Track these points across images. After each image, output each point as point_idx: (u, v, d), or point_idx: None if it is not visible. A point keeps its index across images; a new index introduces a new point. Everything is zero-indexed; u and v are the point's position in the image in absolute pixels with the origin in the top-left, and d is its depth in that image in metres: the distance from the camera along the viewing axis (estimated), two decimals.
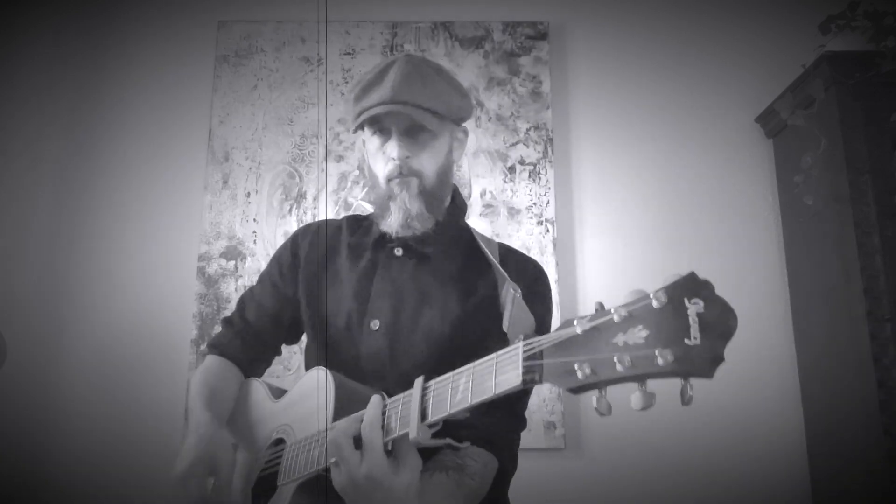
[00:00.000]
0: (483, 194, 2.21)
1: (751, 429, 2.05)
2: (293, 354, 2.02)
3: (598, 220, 2.23)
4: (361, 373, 1.07)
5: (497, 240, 1.35)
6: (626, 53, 2.36)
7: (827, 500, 1.95)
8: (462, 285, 1.12)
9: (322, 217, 2.04)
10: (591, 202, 2.24)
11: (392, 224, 1.11)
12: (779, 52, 2.27)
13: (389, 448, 0.83)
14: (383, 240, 1.16)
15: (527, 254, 1.28)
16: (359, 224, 1.25)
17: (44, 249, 2.19)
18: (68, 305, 2.15)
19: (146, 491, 2.00)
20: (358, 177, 2.22)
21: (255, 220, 2.19)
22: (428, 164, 1.12)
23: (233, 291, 2.13)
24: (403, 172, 1.10)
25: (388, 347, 1.08)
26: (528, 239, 2.16)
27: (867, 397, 1.72)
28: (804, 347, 2.06)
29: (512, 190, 2.20)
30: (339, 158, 2.24)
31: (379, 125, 1.12)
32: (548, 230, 2.17)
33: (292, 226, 2.18)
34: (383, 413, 0.83)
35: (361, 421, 0.84)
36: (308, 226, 1.29)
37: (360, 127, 1.15)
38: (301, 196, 2.21)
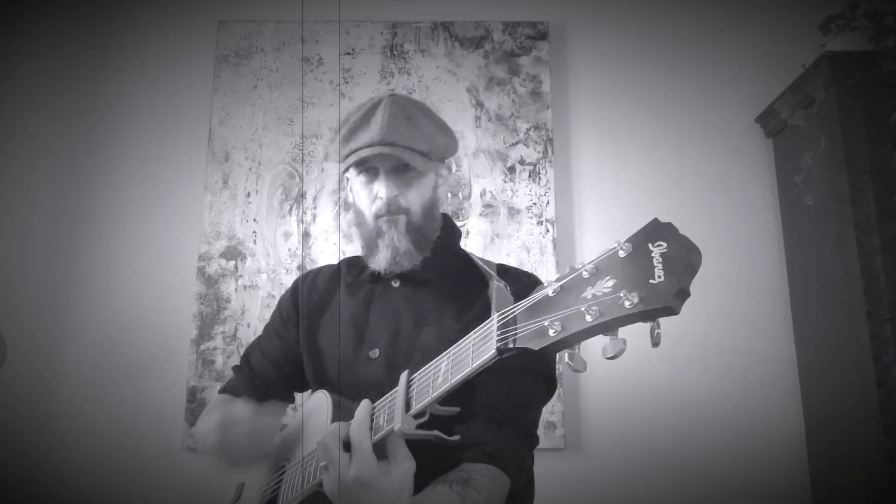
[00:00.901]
0: (483, 194, 2.21)
1: (751, 429, 2.05)
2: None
3: (598, 220, 2.23)
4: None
5: (496, 251, 1.35)
6: (627, 53, 2.36)
7: (827, 500, 1.95)
8: (459, 302, 1.12)
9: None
10: (591, 202, 2.24)
11: (380, 262, 1.13)
12: (779, 52, 2.27)
13: (384, 452, 0.82)
14: (380, 274, 1.17)
15: (525, 271, 1.27)
16: (357, 263, 1.25)
17: (44, 249, 2.19)
18: (68, 305, 2.15)
19: (146, 490, 2.00)
20: None
21: (255, 220, 2.19)
22: (415, 201, 1.14)
23: (233, 291, 2.13)
24: (391, 210, 1.12)
25: (387, 374, 1.07)
26: (528, 239, 2.16)
27: (867, 397, 1.72)
28: (804, 347, 2.06)
29: (512, 190, 2.20)
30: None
31: (366, 165, 1.14)
32: (548, 230, 2.17)
33: (292, 226, 2.18)
34: (372, 414, 0.83)
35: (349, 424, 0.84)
36: (308, 272, 1.32)
37: (348, 168, 1.18)
38: (301, 196, 2.21)
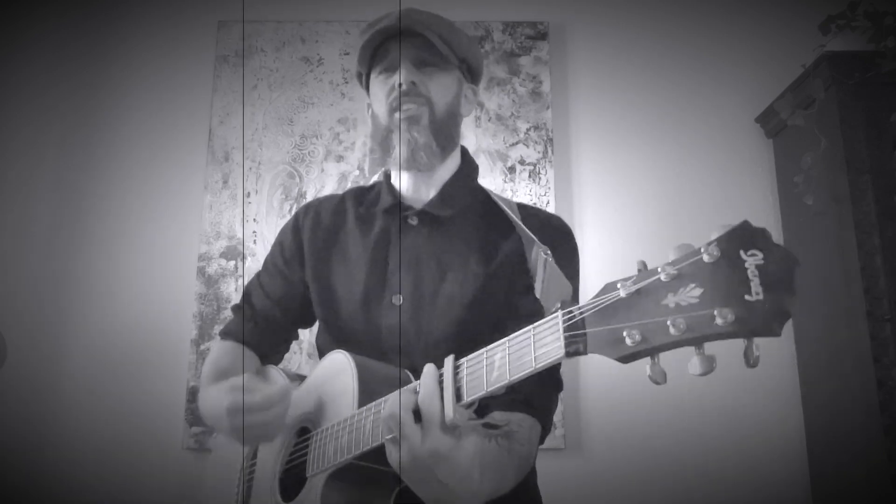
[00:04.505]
0: None
1: (751, 429, 2.05)
2: (293, 355, 2.02)
3: (598, 220, 2.23)
4: (382, 350, 1.02)
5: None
6: (626, 53, 2.36)
7: (827, 500, 1.95)
8: (483, 248, 1.06)
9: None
10: (591, 202, 2.24)
11: (397, 158, 1.04)
12: (779, 52, 2.27)
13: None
14: (395, 208, 1.10)
15: (548, 211, 1.19)
16: (364, 195, 1.18)
17: (44, 249, 2.19)
18: (68, 305, 2.15)
19: (146, 490, 2.00)
20: (358, 177, 2.22)
21: (255, 220, 2.19)
22: (437, 95, 1.06)
23: (233, 291, 2.13)
24: (410, 94, 1.03)
25: (412, 321, 1.02)
26: None
27: (867, 397, 1.72)
28: (804, 347, 2.06)
29: (512, 190, 2.20)
30: (339, 158, 2.23)
31: (386, 61, 1.07)
32: None
33: None
34: (440, 383, 0.77)
35: (416, 392, 0.78)
36: (309, 203, 1.23)
37: (365, 66, 1.11)
38: (301, 196, 2.21)
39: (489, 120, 2.26)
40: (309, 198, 2.21)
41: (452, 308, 1.01)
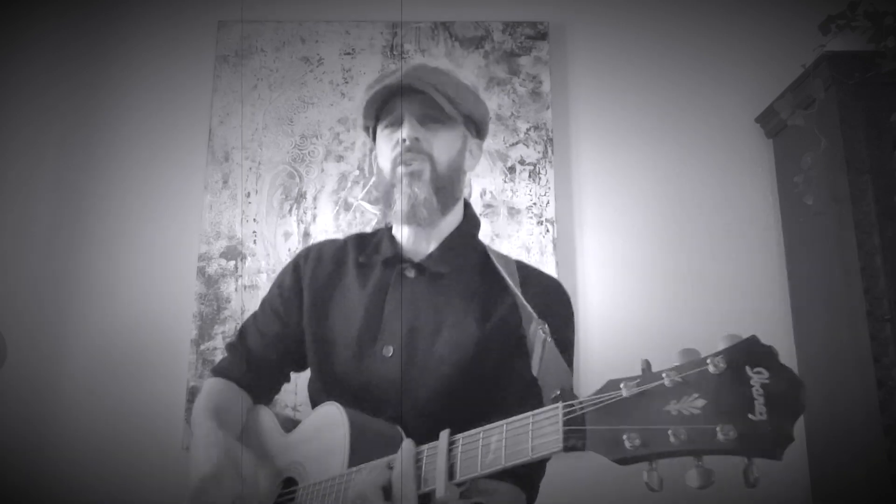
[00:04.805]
0: (483, 194, 2.21)
1: None
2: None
3: (598, 220, 2.23)
4: (371, 401, 1.01)
5: (513, 256, 1.25)
6: (626, 53, 2.36)
7: (827, 500, 1.95)
8: (479, 307, 1.06)
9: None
10: (591, 202, 2.24)
11: (398, 212, 1.06)
12: (779, 52, 2.27)
13: None
14: (394, 260, 1.11)
15: (546, 273, 1.20)
16: (365, 242, 1.19)
17: (44, 249, 2.19)
18: (68, 305, 2.15)
19: (146, 490, 2.00)
20: (358, 177, 2.22)
21: (255, 220, 2.19)
22: (439, 151, 1.08)
23: (233, 291, 2.13)
24: (413, 150, 1.05)
25: (401, 375, 1.02)
26: (528, 239, 2.16)
27: (867, 397, 1.72)
28: (804, 347, 2.06)
29: (512, 190, 2.20)
30: (339, 158, 2.23)
31: (391, 116, 1.09)
32: (548, 230, 2.17)
33: (292, 226, 2.18)
34: (417, 462, 0.77)
35: (390, 468, 0.77)
36: (310, 247, 1.22)
37: (372, 119, 1.12)
38: (301, 196, 2.21)
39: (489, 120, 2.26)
40: (309, 198, 2.21)
41: (444, 366, 1.01)
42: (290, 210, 2.20)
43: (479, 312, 1.05)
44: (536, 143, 2.24)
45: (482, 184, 2.21)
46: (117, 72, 2.34)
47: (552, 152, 2.23)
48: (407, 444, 0.78)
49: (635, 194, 2.24)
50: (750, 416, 0.54)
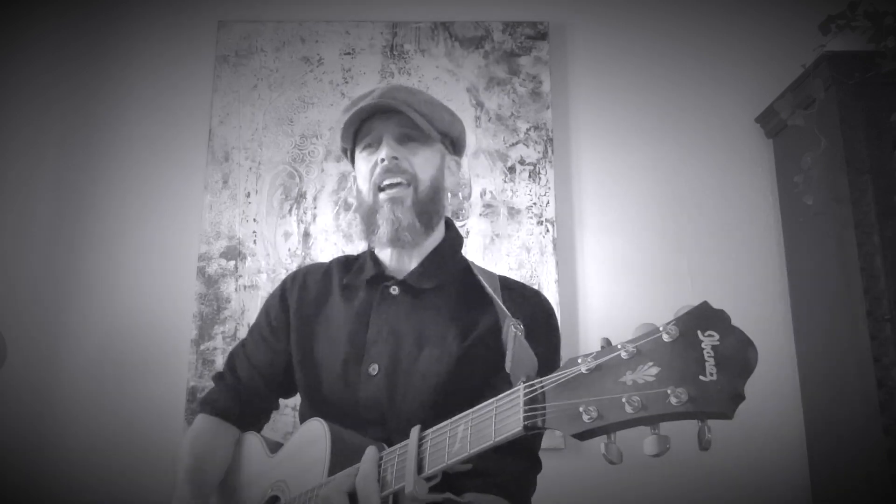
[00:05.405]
0: (483, 194, 2.21)
1: (751, 429, 2.05)
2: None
3: (598, 220, 2.23)
4: (359, 420, 1.02)
5: (496, 251, 1.26)
6: (626, 53, 2.36)
7: (827, 500, 1.95)
8: (462, 322, 1.07)
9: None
10: (591, 202, 2.24)
11: (382, 237, 1.07)
12: (779, 52, 2.27)
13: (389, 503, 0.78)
14: (378, 279, 1.12)
15: (530, 285, 1.22)
16: (350, 264, 1.20)
17: (44, 249, 2.19)
18: (68, 305, 2.15)
19: (146, 491, 2.00)
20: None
21: (255, 220, 2.19)
22: (421, 170, 1.09)
23: (233, 291, 2.13)
24: (393, 171, 1.06)
25: (387, 392, 1.03)
26: (528, 239, 2.16)
27: (867, 397, 1.72)
28: (804, 347, 2.06)
29: (512, 190, 2.20)
30: (339, 158, 2.23)
31: (369, 137, 1.10)
32: (548, 230, 2.17)
33: (292, 226, 2.18)
34: (379, 465, 0.78)
35: (356, 475, 0.79)
36: (296, 272, 1.24)
37: (349, 142, 1.14)
38: (301, 196, 2.21)
39: (489, 120, 2.26)
40: (309, 198, 2.21)
41: (427, 383, 1.02)
42: (290, 210, 2.20)
43: (461, 328, 1.06)
44: (536, 143, 2.24)
45: (482, 184, 2.21)
46: (117, 72, 2.34)
47: (552, 152, 2.23)
48: (370, 449, 0.80)
49: (635, 194, 2.24)
50: (701, 377, 0.54)
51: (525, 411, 0.64)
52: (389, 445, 0.88)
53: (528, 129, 2.25)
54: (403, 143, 1.09)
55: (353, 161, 1.17)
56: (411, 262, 1.13)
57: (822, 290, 1.95)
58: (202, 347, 2.08)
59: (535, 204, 2.19)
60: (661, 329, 0.58)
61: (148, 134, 2.29)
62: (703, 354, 0.55)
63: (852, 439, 1.80)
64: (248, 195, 2.21)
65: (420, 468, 0.74)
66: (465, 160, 2.20)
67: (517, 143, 2.24)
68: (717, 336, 0.56)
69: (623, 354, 0.59)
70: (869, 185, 1.79)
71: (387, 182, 1.07)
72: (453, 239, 1.18)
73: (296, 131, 2.26)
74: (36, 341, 2.11)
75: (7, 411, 2.06)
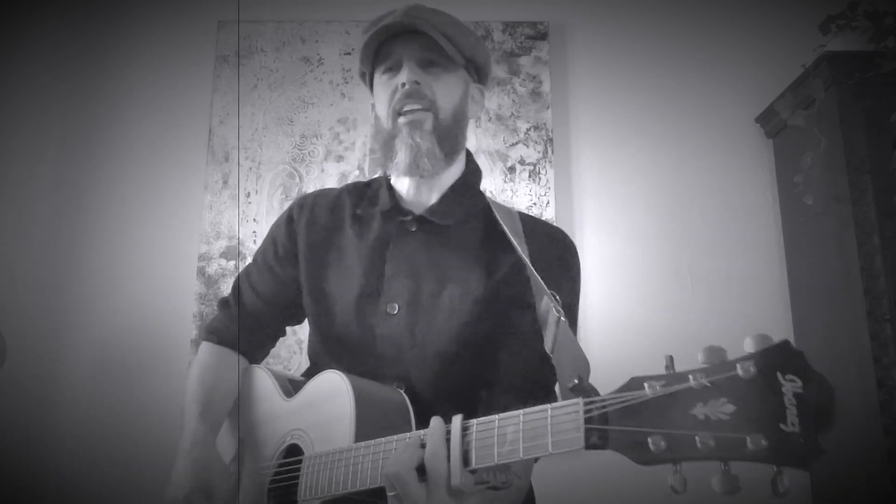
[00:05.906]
0: None
1: None
2: (293, 354, 2.02)
3: (598, 220, 2.22)
4: (376, 361, 0.99)
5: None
6: (626, 53, 2.36)
7: (827, 500, 1.95)
8: (484, 261, 1.02)
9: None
10: (591, 202, 2.24)
11: (399, 164, 1.00)
12: (779, 52, 2.26)
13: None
14: (394, 212, 1.06)
15: (549, 222, 1.15)
16: (362, 193, 1.13)
17: (44, 249, 2.19)
18: (68, 305, 2.15)
19: (145, 490, 2.00)
20: (358, 177, 2.22)
21: (255, 220, 2.19)
22: (443, 97, 1.02)
23: None
24: (413, 96, 0.99)
25: (408, 332, 0.98)
26: None
27: (867, 397, 1.72)
28: (804, 347, 2.05)
29: (512, 190, 2.20)
30: (339, 158, 2.23)
31: (390, 60, 1.03)
32: None
33: None
34: (447, 439, 0.74)
35: (422, 447, 0.75)
36: (304, 198, 1.16)
37: (368, 65, 1.06)
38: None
39: (489, 120, 2.26)
40: None
41: (451, 322, 0.98)
42: None
43: (484, 266, 1.01)
44: (536, 143, 2.24)
45: (482, 184, 2.21)
46: (117, 72, 2.34)
47: (552, 152, 2.23)
48: (436, 421, 0.75)
49: (635, 194, 2.24)
50: (782, 426, 0.52)
51: (586, 430, 0.62)
52: (408, 384, 0.84)
53: (528, 130, 2.25)
54: (425, 69, 1.02)
55: (371, 86, 1.10)
56: (430, 196, 1.07)
57: (822, 290, 1.95)
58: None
59: (535, 204, 2.19)
60: (737, 365, 0.55)
61: (148, 134, 2.29)
62: (784, 401, 0.53)
63: (852, 439, 1.80)
64: (248, 195, 2.21)
65: (466, 461, 0.71)
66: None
67: (517, 143, 2.24)
68: (799, 383, 0.53)
69: (694, 385, 0.57)
70: (869, 185, 1.79)
71: (407, 108, 1.00)
72: (473, 172, 1.13)
73: (296, 131, 2.26)
74: (36, 341, 2.11)
75: (7, 411, 2.06)
